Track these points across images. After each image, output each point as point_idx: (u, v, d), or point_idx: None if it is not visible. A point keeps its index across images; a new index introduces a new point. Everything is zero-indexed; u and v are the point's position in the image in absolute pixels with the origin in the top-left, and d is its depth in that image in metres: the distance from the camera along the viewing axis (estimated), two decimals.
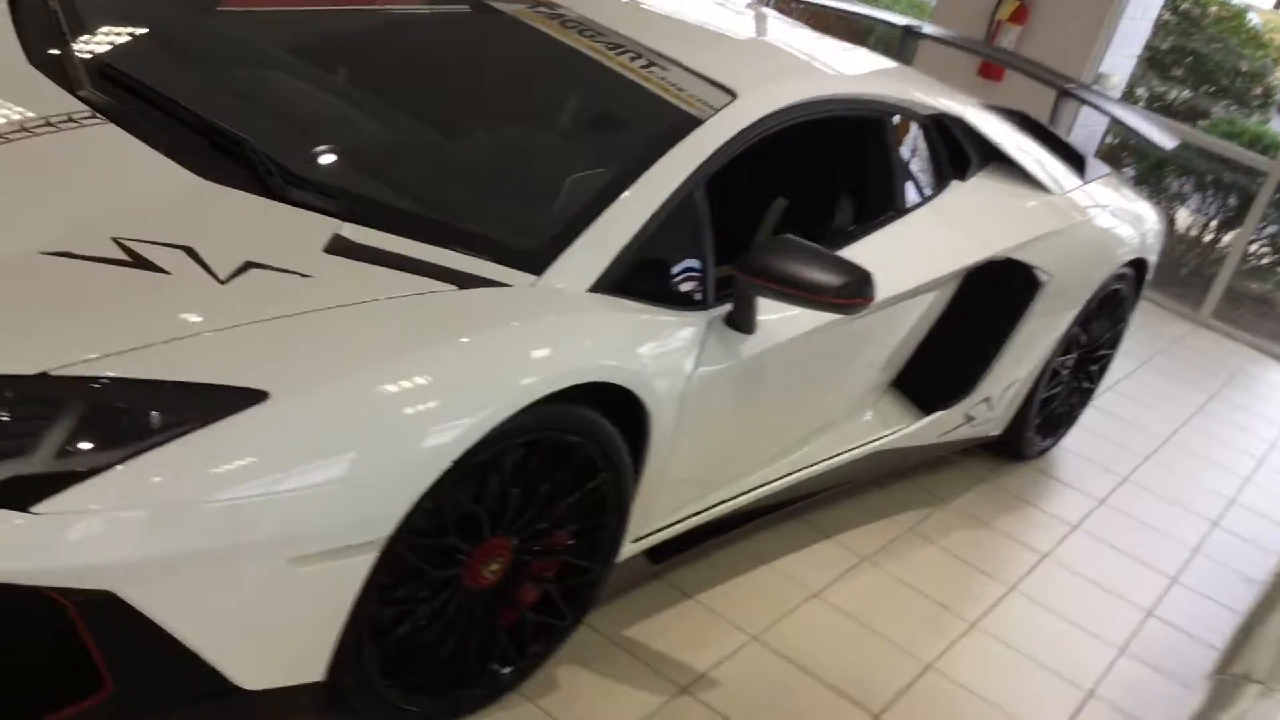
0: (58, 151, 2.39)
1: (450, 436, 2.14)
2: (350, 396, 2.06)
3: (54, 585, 1.85)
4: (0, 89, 2.55)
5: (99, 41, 2.83)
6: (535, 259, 2.48)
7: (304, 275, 2.22)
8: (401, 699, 2.38)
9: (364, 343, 2.13)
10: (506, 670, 2.56)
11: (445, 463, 2.15)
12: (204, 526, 1.92)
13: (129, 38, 2.93)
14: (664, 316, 2.65)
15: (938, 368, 3.79)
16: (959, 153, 3.91)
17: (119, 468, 1.87)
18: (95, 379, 1.94)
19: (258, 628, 2.05)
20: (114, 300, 2.07)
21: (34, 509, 1.81)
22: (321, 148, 2.72)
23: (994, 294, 3.80)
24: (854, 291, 2.70)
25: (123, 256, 2.16)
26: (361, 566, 2.11)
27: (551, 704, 2.64)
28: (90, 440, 1.89)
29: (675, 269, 2.71)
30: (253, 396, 1.98)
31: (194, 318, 2.07)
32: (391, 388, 2.10)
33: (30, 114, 2.45)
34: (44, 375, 1.92)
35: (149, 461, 1.89)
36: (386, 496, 2.09)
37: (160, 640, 1.94)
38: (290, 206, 2.41)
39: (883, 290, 2.83)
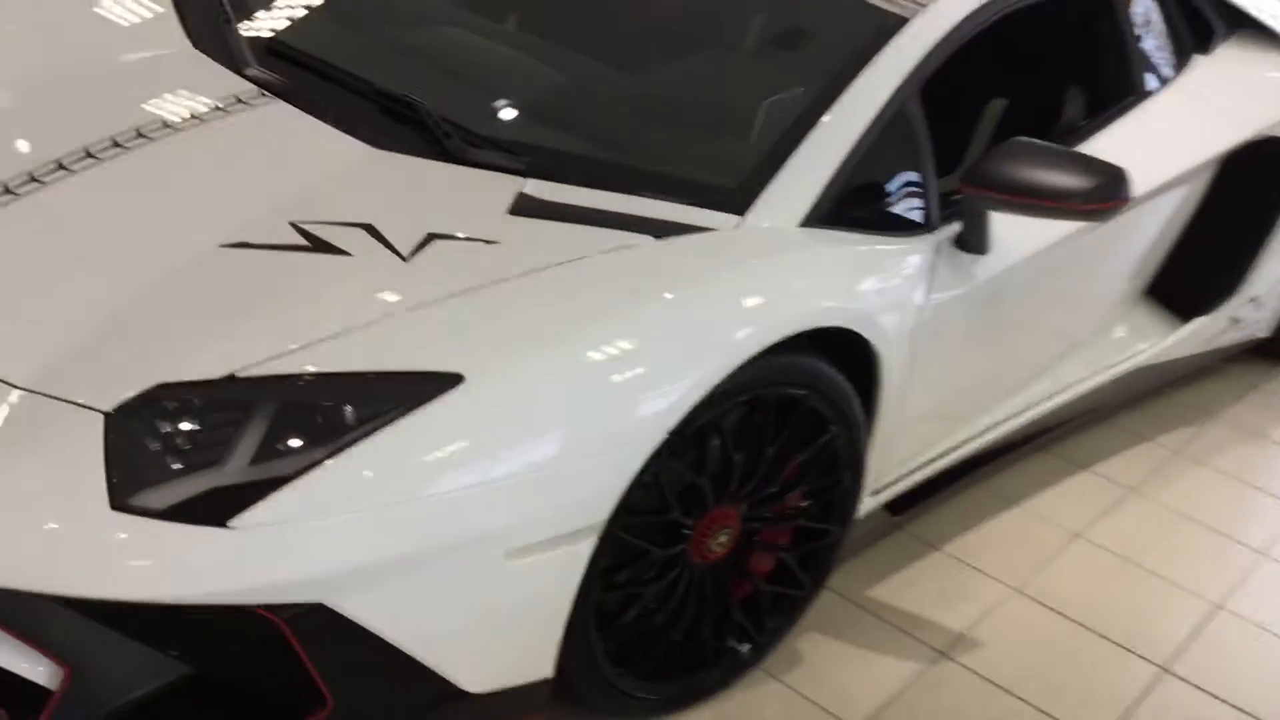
0: (228, 137, 2.28)
1: (664, 404, 1.94)
2: (551, 370, 1.88)
3: (261, 603, 1.75)
4: (168, 76, 2.45)
5: (263, 18, 2.70)
6: (736, 198, 2.23)
7: (489, 242, 2.04)
8: (636, 688, 2.21)
9: (560, 310, 1.94)
10: (745, 648, 2.36)
11: (661, 433, 1.95)
12: (411, 526, 1.77)
13: (293, 11, 2.81)
14: (885, 246, 2.37)
15: (1196, 269, 3.37)
16: (1199, 22, 3.45)
17: (316, 471, 1.74)
18: (284, 377, 1.81)
19: (478, 628, 1.90)
20: (296, 290, 1.93)
21: (232, 523, 1.71)
22: (496, 102, 2.53)
23: (1256, 179, 3.34)
24: (1106, 194, 2.35)
25: (301, 241, 2.03)
26: (581, 554, 1.93)
27: (798, 679, 2.43)
28: (284, 443, 1.76)
29: (892, 191, 2.42)
30: (447, 381, 1.82)
31: (379, 300, 1.91)
32: (595, 356, 1.91)
33: (199, 100, 2.35)
34: (231, 378, 1.81)
35: (347, 461, 1.75)
36: (601, 475, 1.90)
37: (378, 649, 1.82)
38: (469, 168, 2.23)
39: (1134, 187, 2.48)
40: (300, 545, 1.73)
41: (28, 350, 1.85)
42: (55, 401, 1.79)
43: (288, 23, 2.73)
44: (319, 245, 2.02)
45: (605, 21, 2.83)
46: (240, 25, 2.63)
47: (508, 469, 1.81)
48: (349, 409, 1.80)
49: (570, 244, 2.06)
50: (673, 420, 1.95)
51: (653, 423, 1.93)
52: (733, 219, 2.19)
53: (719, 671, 2.33)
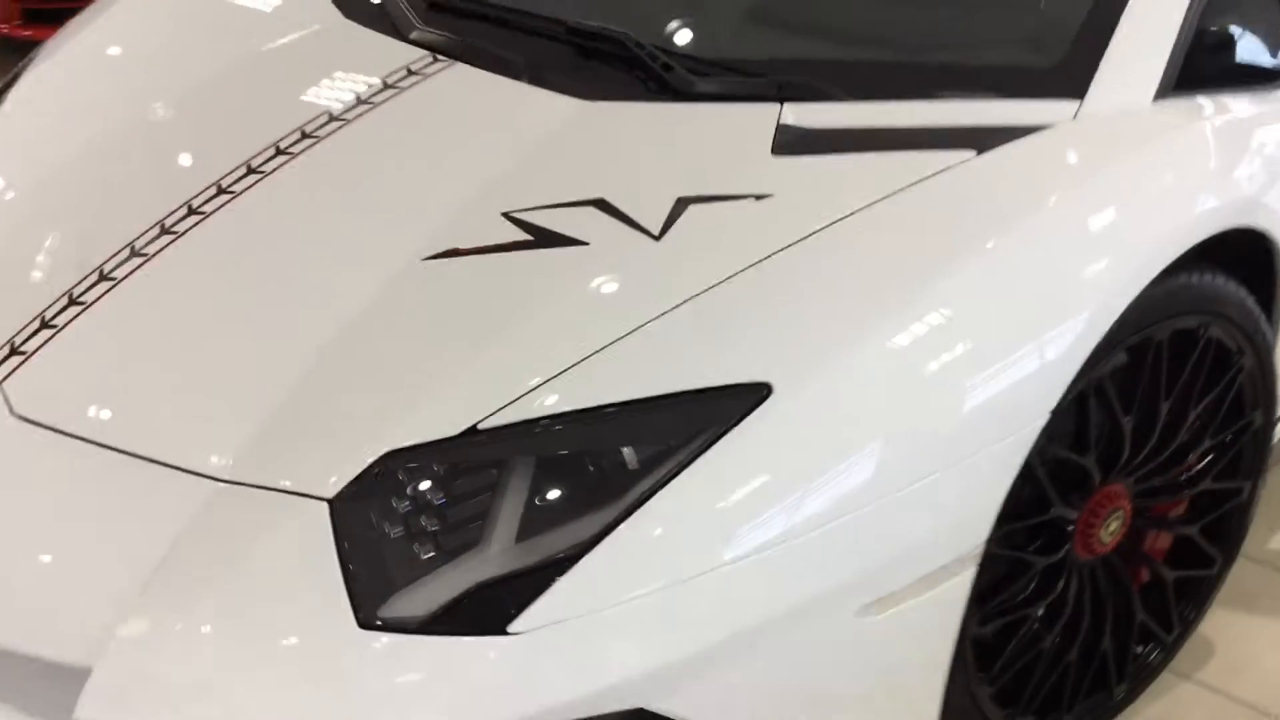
0: (405, 119, 1.84)
1: (1040, 378, 1.44)
2: (888, 362, 1.39)
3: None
4: (323, 57, 2.03)
5: None
6: (1066, 77, 1.67)
7: (758, 196, 1.55)
8: None
9: (880, 279, 1.44)
10: (1153, 652, 1.87)
11: (1040, 417, 1.46)
12: (731, 597, 1.33)
13: None
14: (1260, 106, 1.80)
15: None
16: None
17: (604, 544, 1.33)
18: (537, 420, 1.40)
19: (832, 710, 1.48)
20: (529, 303, 1.50)
21: (513, 628, 1.33)
22: (717, 13, 2.01)
23: None
24: None
25: (521, 236, 1.59)
26: (959, 590, 1.46)
27: (1216, 675, 1.91)
28: (554, 510, 1.36)
29: (1266, 31, 1.85)
30: (751, 395, 1.36)
31: (637, 299, 1.46)
32: (939, 334, 1.40)
33: (364, 80, 1.93)
34: (473, 430, 1.40)
35: (639, 523, 1.34)
36: (976, 486, 1.42)
37: None
38: (703, 104, 1.74)
39: None
40: (602, 642, 1.31)
41: (216, 429, 1.50)
42: (262, 492, 1.43)
43: None
44: (544, 238, 1.58)
45: None
46: None
47: (849, 502, 1.36)
48: (628, 451, 1.37)
49: (864, 182, 1.54)
50: (1054, 398, 1.45)
51: (1031, 406, 1.43)
52: (1069, 105, 1.63)
53: (1124, 686, 1.84)
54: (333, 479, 1.38)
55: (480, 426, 1.38)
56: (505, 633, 1.28)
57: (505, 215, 1.61)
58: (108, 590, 1.36)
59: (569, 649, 1.29)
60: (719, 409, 1.36)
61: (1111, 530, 1.69)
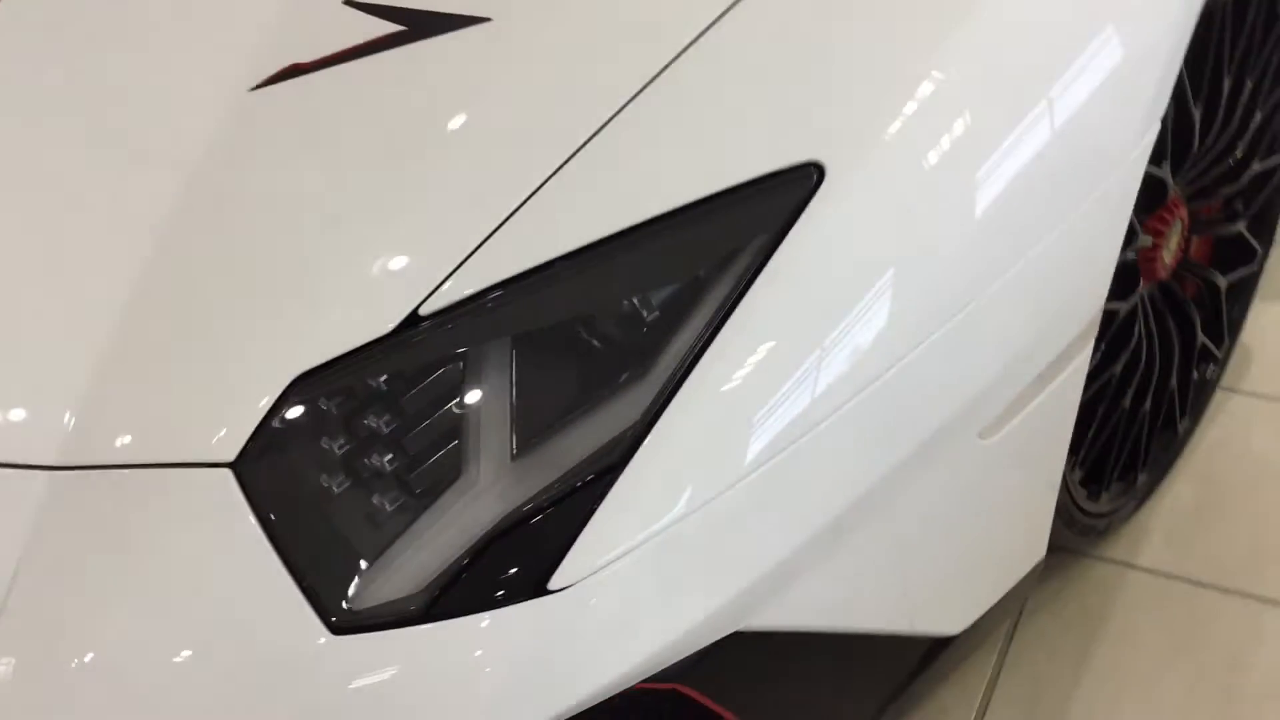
0: None
1: (1149, 78, 1.07)
2: (942, 106, 0.98)
3: (646, 680, 1.00)
4: None
5: None
6: None
7: None
8: (1111, 504, 1.46)
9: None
10: (1209, 373, 1.58)
11: (1151, 129, 1.11)
12: (842, 454, 0.96)
13: None
14: None
15: None
16: None
17: (654, 432, 0.92)
18: (497, 288, 0.96)
19: (954, 551, 1.11)
20: (436, 125, 1.02)
21: (554, 582, 0.94)
22: None
23: None
24: None
25: (387, 27, 1.10)
26: (1077, 375, 1.16)
27: (1261, 382, 1.69)
28: (556, 403, 0.93)
29: None
30: (799, 180, 0.96)
31: (590, 87, 1.02)
32: (1005, 47, 1.03)
33: None
34: (413, 319, 0.97)
35: (693, 393, 0.91)
36: (1088, 242, 1.05)
37: (817, 650, 1.09)
38: None
39: None
40: (679, 568, 0.94)
41: (37, 402, 1.02)
42: (124, 473, 0.98)
43: None
44: (421, 23, 1.11)
45: None
46: None
47: (952, 301, 0.99)
48: (637, 303, 0.98)
49: None
50: (1164, 100, 1.11)
51: (1142, 117, 1.08)
52: None
53: (1187, 419, 1.59)
54: (220, 433, 0.95)
55: (422, 312, 0.97)
56: (545, 591, 0.91)
57: (349, 2, 1.13)
58: None
59: (637, 589, 0.92)
60: (759, 209, 0.96)
61: (1172, 248, 1.40)
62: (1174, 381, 1.47)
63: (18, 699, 0.90)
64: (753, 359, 0.92)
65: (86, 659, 0.89)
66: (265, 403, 0.95)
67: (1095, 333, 1.11)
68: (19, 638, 0.91)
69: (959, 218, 0.97)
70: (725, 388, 0.92)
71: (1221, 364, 1.59)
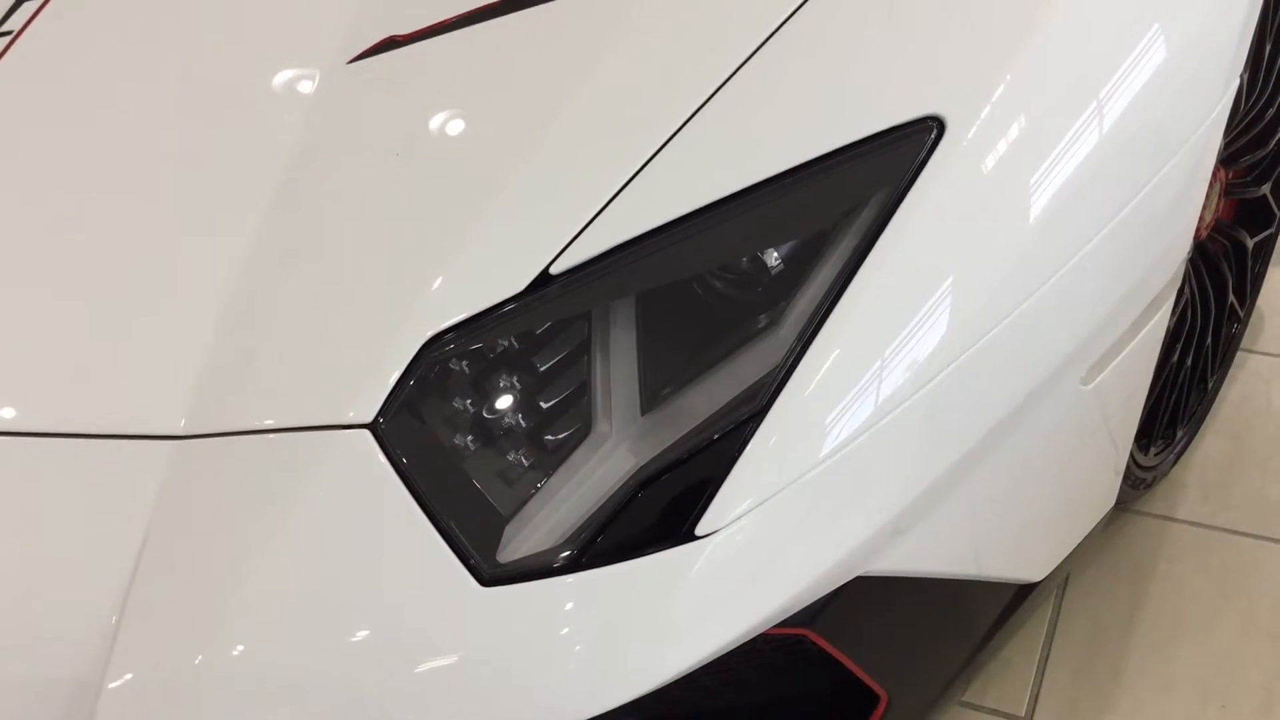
0: None
1: (1236, 26, 1.12)
2: (1052, 54, 1.03)
3: (776, 625, 1.02)
4: None
5: None
6: None
7: None
8: (1159, 457, 1.52)
9: None
10: (1234, 332, 1.65)
11: (1234, 77, 1.15)
12: (969, 396, 0.98)
13: None
14: None
15: None
16: None
17: (793, 385, 0.94)
18: (625, 246, 0.96)
19: (1046, 495, 1.17)
20: (549, 88, 1.03)
21: (700, 528, 0.96)
22: None
23: None
24: None
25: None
26: (1162, 320, 1.20)
27: (1275, 343, 1.78)
28: (685, 358, 0.96)
29: None
30: (919, 133, 0.98)
31: (703, 45, 1.04)
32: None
33: None
34: (544, 279, 0.97)
35: (826, 342, 0.93)
36: (1179, 191, 1.10)
37: (925, 596, 1.11)
38: None
39: None
40: (814, 513, 0.96)
41: (163, 370, 1.02)
42: (263, 439, 0.98)
43: None
44: None
45: None
46: None
47: (1061, 248, 1.02)
48: (769, 255, 1.00)
49: None
50: (1245, 50, 1.16)
51: (1230, 66, 1.14)
52: None
53: (1215, 376, 1.65)
54: (362, 396, 0.96)
55: (552, 272, 0.99)
56: (690, 538, 0.93)
57: None
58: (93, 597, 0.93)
59: (775, 534, 0.94)
60: (882, 163, 0.98)
61: (1212, 208, 1.47)
62: (1209, 339, 1.54)
63: (158, 663, 0.90)
64: (880, 307, 0.95)
65: (232, 620, 0.90)
66: (399, 364, 0.96)
67: (1179, 281, 1.16)
68: (156, 601, 0.92)
69: (1069, 168, 1.01)
70: (856, 337, 0.95)
71: (1243, 323, 1.67)
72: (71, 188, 1.12)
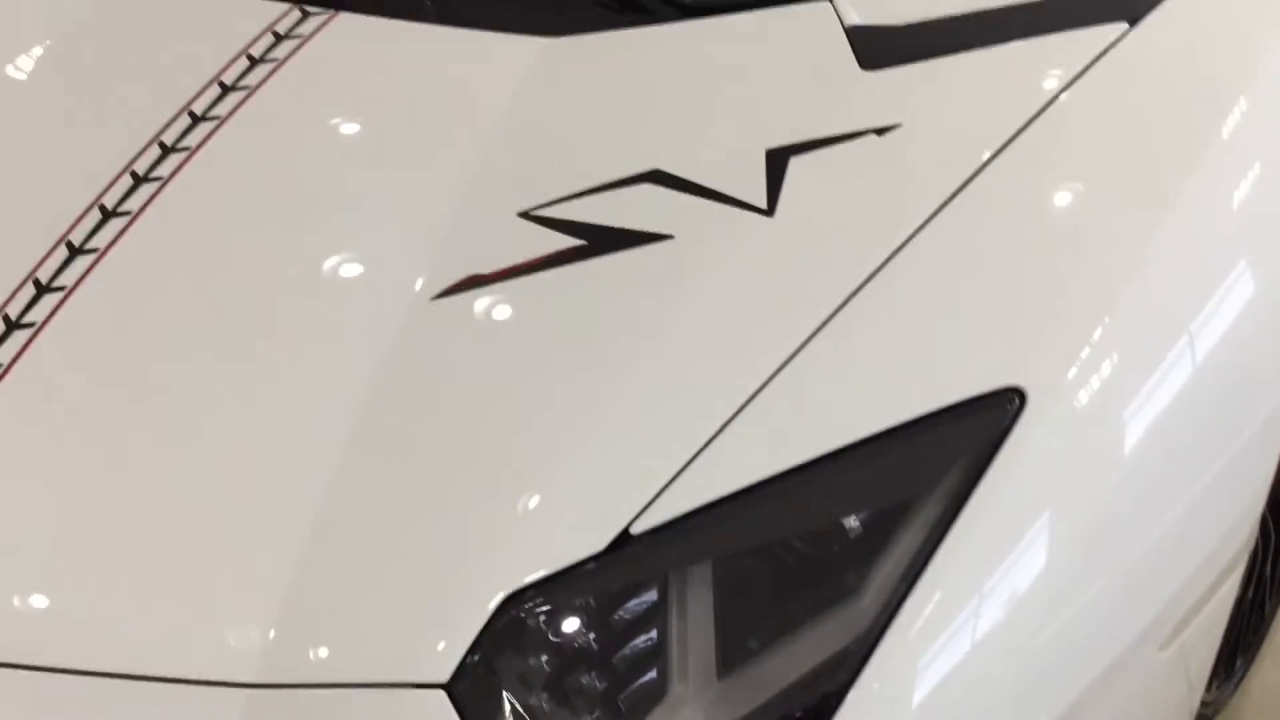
0: (305, 102, 1.30)
1: None
2: (1147, 320, 1.06)
3: None
4: (153, 24, 1.45)
5: None
6: None
7: (880, 130, 1.16)
8: (1218, 688, 1.50)
9: (1104, 205, 1.10)
10: None
11: None
12: (1045, 673, 0.97)
13: None
14: None
15: None
16: None
17: (872, 663, 0.93)
18: (705, 509, 0.96)
19: None
20: (628, 338, 1.06)
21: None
22: None
23: None
24: None
25: (566, 241, 1.12)
26: (1232, 588, 1.20)
27: None
28: (762, 624, 0.95)
29: None
30: (999, 406, 1.01)
31: (782, 307, 1.05)
32: (1207, 250, 1.10)
33: (217, 60, 1.37)
34: (624, 538, 0.96)
35: (906, 622, 0.93)
36: (1263, 449, 1.14)
37: None
38: (714, 18, 1.31)
39: None
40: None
41: (233, 615, 1.01)
42: (334, 693, 0.97)
43: None
44: (602, 238, 1.14)
45: None
46: None
47: (1140, 523, 1.03)
48: (850, 522, 1.00)
49: (1012, 85, 1.17)
50: None
51: None
52: None
53: (1271, 604, 1.64)
54: (439, 652, 0.95)
55: (633, 531, 0.99)
56: None
57: (525, 215, 1.16)
58: None
59: None
60: (963, 435, 0.99)
61: None
62: (1268, 566, 1.53)
63: None
64: (964, 583, 0.95)
65: None
66: (477, 621, 0.95)
67: (1255, 537, 1.16)
68: None
69: (1154, 436, 1.02)
70: (939, 613, 0.94)
71: None
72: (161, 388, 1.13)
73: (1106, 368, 1.02)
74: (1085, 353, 1.01)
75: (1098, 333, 1.02)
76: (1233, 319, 1.10)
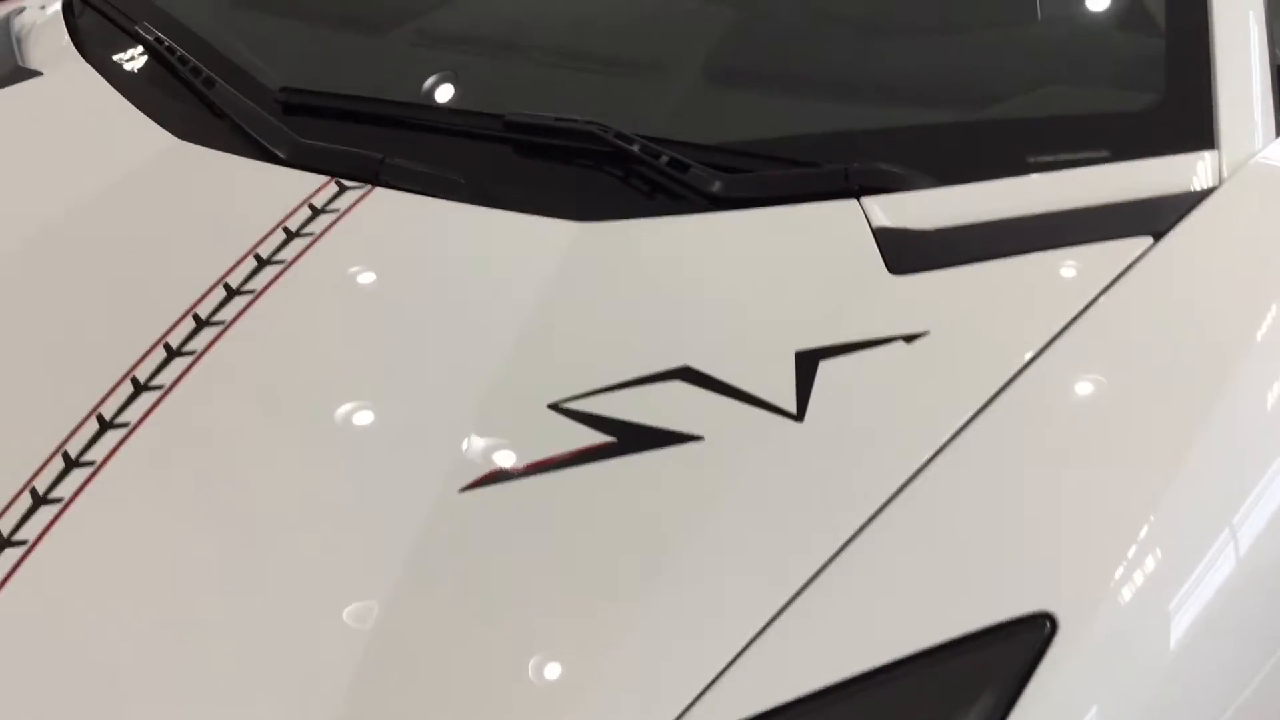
0: (336, 283, 1.33)
1: None
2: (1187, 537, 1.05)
3: None
4: (184, 201, 1.49)
5: (253, 57, 1.75)
6: (1182, 123, 1.33)
7: (908, 338, 1.17)
8: None
9: (1138, 429, 1.09)
10: None
11: None
12: None
13: (286, 32, 1.84)
14: None
15: None
16: None
17: None
18: None
19: None
20: (651, 546, 1.05)
21: None
22: (711, 83, 1.57)
23: None
24: None
25: (595, 438, 1.12)
26: None
27: None
28: None
29: None
30: (1028, 634, 0.98)
31: (808, 520, 1.05)
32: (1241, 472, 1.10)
33: (248, 235, 1.38)
34: None
35: None
36: None
37: None
38: (747, 211, 1.33)
39: None
40: None
41: None
42: None
43: (294, 57, 1.78)
44: (630, 436, 1.13)
45: None
46: (230, 80, 1.64)
47: None
48: None
49: (1037, 298, 1.19)
50: None
51: None
52: (1207, 159, 1.30)
53: None
54: None
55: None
56: None
57: (555, 407, 1.17)
58: None
59: None
60: (989, 662, 0.98)
61: None
62: None
63: None
64: None
65: None
66: None
67: None
68: None
69: (1193, 651, 1.01)
70: None
71: None
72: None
73: (1142, 580, 1.01)
74: (1120, 570, 1.01)
75: (1133, 549, 1.02)
76: (1270, 517, 1.11)
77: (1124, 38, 1.60)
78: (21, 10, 1.96)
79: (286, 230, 1.38)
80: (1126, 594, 1.00)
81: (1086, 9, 1.66)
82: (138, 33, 1.76)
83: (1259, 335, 1.17)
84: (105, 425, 1.21)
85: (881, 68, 1.54)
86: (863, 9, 1.66)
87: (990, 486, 1.07)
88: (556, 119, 1.44)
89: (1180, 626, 1.01)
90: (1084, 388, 1.14)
